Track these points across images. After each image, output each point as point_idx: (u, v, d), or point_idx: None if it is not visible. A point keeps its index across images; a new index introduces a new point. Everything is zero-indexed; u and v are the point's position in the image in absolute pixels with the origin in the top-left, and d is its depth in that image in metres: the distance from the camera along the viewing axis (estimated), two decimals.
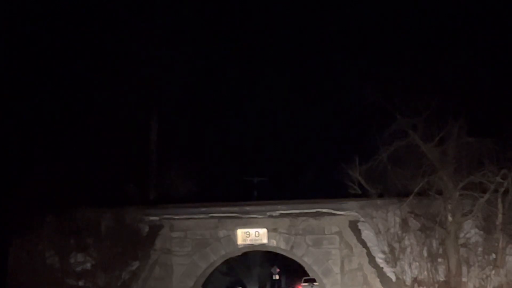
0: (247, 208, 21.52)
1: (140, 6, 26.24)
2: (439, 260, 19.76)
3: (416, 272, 19.86)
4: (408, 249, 20.04)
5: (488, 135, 19.20)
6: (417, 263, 19.89)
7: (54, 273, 20.61)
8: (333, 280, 21.24)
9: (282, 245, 21.64)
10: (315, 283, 30.91)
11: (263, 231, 21.54)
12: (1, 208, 20.03)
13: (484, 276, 19.37)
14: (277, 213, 21.41)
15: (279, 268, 46.08)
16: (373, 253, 20.47)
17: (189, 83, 27.15)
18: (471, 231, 19.83)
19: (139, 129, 25.87)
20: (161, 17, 26.65)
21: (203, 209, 21.55)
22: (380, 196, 20.47)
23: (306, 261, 21.61)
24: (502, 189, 19.07)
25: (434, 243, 19.84)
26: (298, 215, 21.35)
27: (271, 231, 21.56)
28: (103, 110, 24.10)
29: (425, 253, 19.85)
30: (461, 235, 19.72)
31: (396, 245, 20.15)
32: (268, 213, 21.44)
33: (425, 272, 19.74)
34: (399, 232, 20.20)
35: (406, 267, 19.92)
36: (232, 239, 21.67)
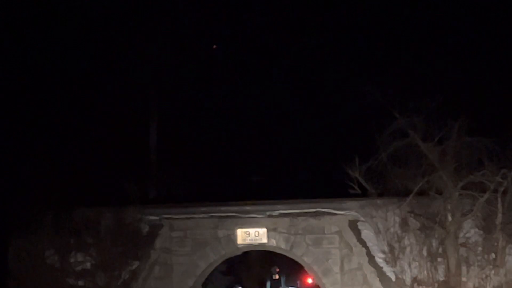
0: (247, 207, 21.50)
1: (138, 8, 26.27)
2: (439, 259, 19.76)
3: (415, 271, 19.86)
4: (408, 249, 20.04)
5: (488, 135, 19.21)
6: (417, 263, 19.88)
7: (54, 272, 20.60)
8: (333, 280, 21.23)
9: (282, 245, 21.62)
10: None
11: (262, 230, 21.53)
12: (0, 208, 20.06)
13: (484, 275, 19.37)
14: (276, 212, 21.41)
15: (278, 268, 46.05)
16: (373, 253, 20.46)
17: (189, 82, 27.16)
18: (470, 231, 19.83)
19: (139, 129, 25.91)
20: (162, 17, 26.66)
21: (203, 209, 21.54)
22: (380, 195, 20.49)
23: (306, 260, 21.59)
24: (501, 189, 19.05)
25: (434, 243, 19.83)
26: (298, 214, 21.33)
27: (271, 230, 21.53)
28: (103, 109, 24.16)
29: (424, 253, 19.85)
30: (461, 234, 19.71)
31: (396, 245, 20.15)
32: (267, 213, 21.43)
33: (425, 272, 19.74)
34: (399, 232, 20.20)
35: (406, 267, 19.92)
36: (232, 238, 21.66)
